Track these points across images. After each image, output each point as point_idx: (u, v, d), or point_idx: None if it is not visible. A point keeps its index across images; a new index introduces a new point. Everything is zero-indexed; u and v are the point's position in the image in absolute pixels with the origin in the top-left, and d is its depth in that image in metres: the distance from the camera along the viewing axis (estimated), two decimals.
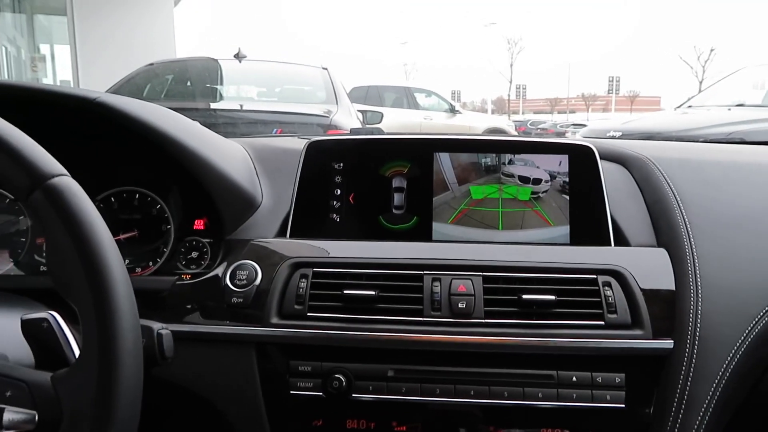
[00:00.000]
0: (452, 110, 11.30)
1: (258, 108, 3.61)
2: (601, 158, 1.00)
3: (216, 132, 1.07)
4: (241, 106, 3.49)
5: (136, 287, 0.57)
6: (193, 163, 0.93)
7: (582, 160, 0.99)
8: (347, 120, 3.34)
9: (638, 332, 0.84)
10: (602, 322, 0.85)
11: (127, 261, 1.00)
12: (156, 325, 0.66)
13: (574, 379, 0.85)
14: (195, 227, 1.02)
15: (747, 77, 4.84)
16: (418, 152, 1.01)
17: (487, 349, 0.85)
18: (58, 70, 10.18)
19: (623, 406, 0.85)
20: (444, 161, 1.00)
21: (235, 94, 4.21)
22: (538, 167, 0.99)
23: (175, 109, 1.01)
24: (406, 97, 11.12)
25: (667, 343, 0.84)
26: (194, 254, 1.00)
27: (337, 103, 3.57)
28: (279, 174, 1.06)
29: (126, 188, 1.04)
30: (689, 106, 4.86)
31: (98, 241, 0.53)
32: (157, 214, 1.04)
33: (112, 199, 1.04)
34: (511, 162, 1.00)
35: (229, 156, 1.01)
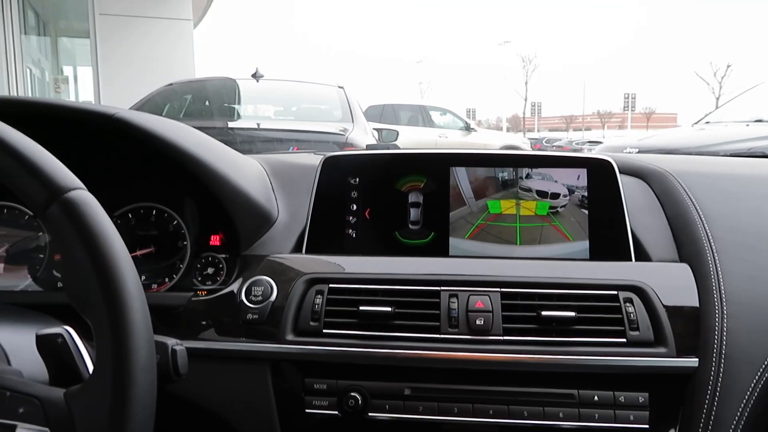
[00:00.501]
0: (467, 128, 11.33)
1: (275, 126, 3.65)
2: (619, 172, 0.98)
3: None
4: (258, 124, 3.53)
5: (152, 303, 0.57)
6: (209, 178, 0.93)
7: (601, 174, 0.98)
8: (363, 138, 3.36)
9: (661, 350, 0.82)
10: (624, 340, 0.83)
11: (143, 277, 1.00)
12: (170, 341, 0.65)
13: (596, 398, 0.83)
14: (211, 243, 1.03)
15: (765, 92, 4.77)
16: (435, 167, 1.00)
17: (505, 366, 0.83)
18: (80, 91, 10.40)
19: (647, 426, 0.82)
20: (461, 176, 0.99)
21: (253, 113, 4.26)
22: (556, 181, 0.98)
23: (194, 128, 1.02)
24: (421, 115, 11.18)
25: (692, 361, 0.81)
26: (210, 270, 1.00)
27: (353, 122, 3.60)
28: (295, 189, 1.06)
29: (143, 204, 1.05)
30: (707, 122, 4.79)
31: (113, 256, 0.53)
32: (174, 230, 1.04)
33: (130, 215, 1.05)
34: (528, 176, 0.99)
35: (246, 171, 1.02)
